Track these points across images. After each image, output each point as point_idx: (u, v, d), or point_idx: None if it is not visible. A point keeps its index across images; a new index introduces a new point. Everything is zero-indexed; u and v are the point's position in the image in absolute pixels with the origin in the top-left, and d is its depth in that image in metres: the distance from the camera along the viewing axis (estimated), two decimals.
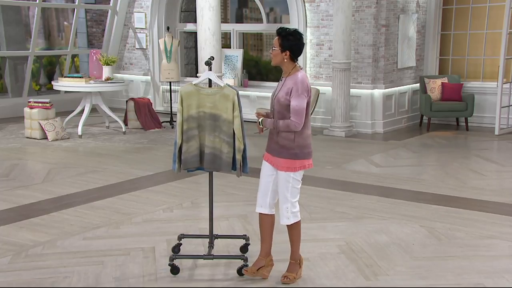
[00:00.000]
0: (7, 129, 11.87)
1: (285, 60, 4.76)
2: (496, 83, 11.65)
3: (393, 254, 5.53)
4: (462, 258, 5.43)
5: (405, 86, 12.31)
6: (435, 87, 11.90)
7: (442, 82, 11.93)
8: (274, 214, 4.99)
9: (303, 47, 4.82)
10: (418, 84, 12.37)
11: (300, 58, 12.93)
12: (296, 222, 4.91)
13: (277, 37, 4.77)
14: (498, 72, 11.51)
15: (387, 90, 11.75)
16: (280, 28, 4.81)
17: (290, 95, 4.67)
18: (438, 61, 12.79)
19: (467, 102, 11.71)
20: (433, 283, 4.93)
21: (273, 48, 4.77)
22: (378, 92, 11.68)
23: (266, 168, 4.92)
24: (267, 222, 4.96)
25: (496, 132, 11.39)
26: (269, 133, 4.91)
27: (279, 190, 4.87)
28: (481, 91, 12.11)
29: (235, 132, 4.92)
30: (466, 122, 11.91)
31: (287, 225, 4.93)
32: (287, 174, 4.79)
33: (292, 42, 4.73)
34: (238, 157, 4.95)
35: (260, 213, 4.97)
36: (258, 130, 4.93)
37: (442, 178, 8.40)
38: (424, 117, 12.19)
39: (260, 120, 4.84)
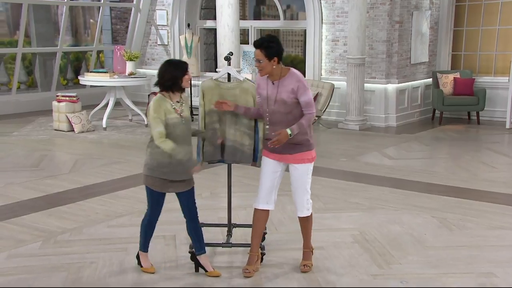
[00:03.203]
0: (37, 122, 12.15)
1: (274, 67, 4.70)
2: (507, 78, 11.74)
3: (406, 244, 5.63)
4: (472, 248, 5.52)
5: (418, 81, 12.40)
6: (447, 82, 11.99)
7: (454, 77, 12.01)
8: None
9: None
10: (430, 79, 12.44)
11: (316, 54, 13.05)
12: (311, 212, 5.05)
13: (258, 50, 4.66)
14: (509, 67, 11.58)
15: (400, 84, 11.86)
16: (256, 41, 4.74)
17: (298, 93, 4.70)
18: (450, 57, 12.86)
19: (479, 97, 11.77)
20: (444, 271, 5.03)
21: (259, 61, 4.67)
22: (392, 87, 11.80)
23: (271, 165, 4.90)
24: (265, 218, 4.99)
25: (507, 126, 11.47)
26: (271, 132, 4.82)
27: (297, 185, 4.88)
28: (492, 85, 12.16)
29: (258, 122, 4.99)
30: (478, 116, 11.98)
31: (304, 217, 5.00)
32: (307, 166, 4.85)
33: (275, 48, 4.69)
34: (262, 147, 4.99)
35: (261, 210, 4.93)
36: (277, 144, 4.68)
37: (453, 170, 8.50)
38: (436, 111, 12.27)
39: (290, 133, 4.64)
